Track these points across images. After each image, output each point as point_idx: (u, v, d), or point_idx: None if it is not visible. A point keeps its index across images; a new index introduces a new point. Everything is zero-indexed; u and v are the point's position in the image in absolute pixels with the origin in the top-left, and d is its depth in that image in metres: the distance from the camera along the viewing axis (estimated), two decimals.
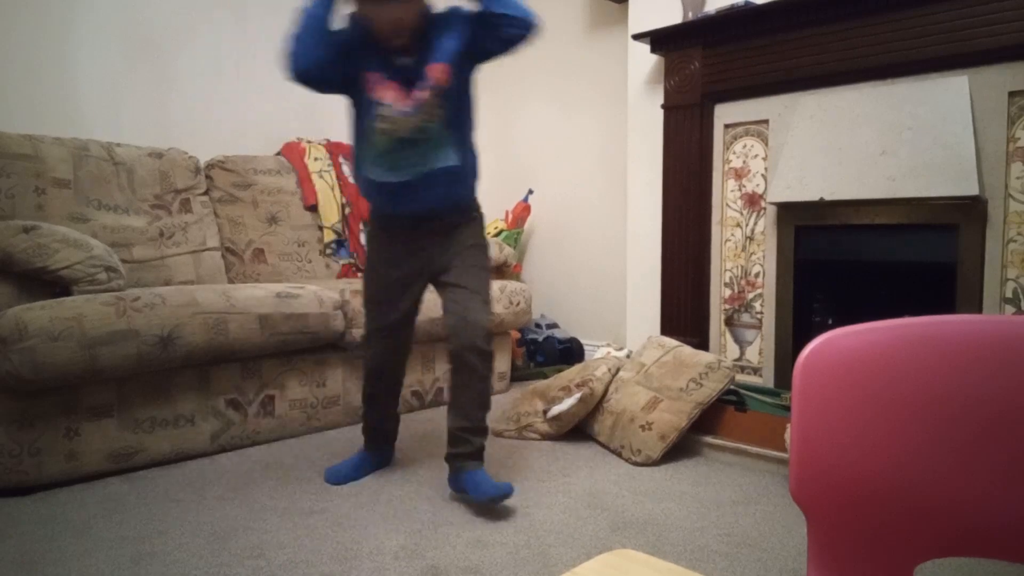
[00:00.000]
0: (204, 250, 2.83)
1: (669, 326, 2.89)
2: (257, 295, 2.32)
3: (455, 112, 1.83)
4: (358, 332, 2.54)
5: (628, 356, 2.71)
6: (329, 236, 3.26)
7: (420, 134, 1.80)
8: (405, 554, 1.57)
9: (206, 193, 2.94)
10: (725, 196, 2.76)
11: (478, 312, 1.85)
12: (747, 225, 2.71)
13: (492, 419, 2.69)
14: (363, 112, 1.84)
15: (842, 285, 2.62)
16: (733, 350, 2.77)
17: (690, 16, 2.74)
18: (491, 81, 4.12)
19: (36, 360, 1.85)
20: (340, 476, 2.04)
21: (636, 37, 2.83)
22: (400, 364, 2.10)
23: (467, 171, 1.91)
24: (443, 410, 2.85)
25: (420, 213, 1.90)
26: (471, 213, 1.97)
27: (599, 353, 2.83)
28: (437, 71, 1.78)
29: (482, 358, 1.84)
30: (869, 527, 0.62)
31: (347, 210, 3.33)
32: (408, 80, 1.79)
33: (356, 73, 1.81)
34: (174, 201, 2.82)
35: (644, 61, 3.00)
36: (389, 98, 1.79)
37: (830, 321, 2.63)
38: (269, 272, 3.02)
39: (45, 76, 2.77)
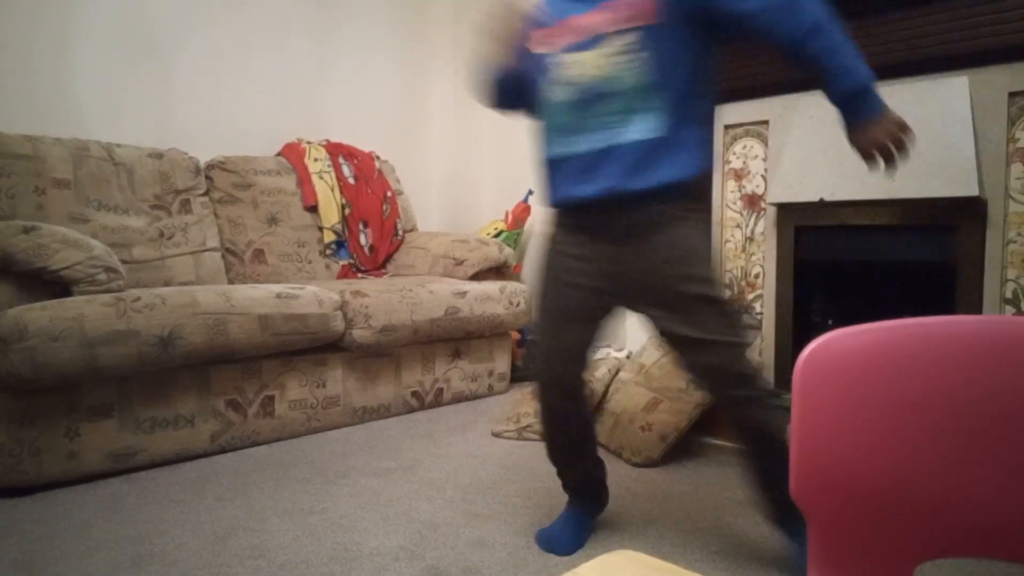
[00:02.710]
0: (204, 251, 2.83)
1: None
2: (257, 295, 2.32)
3: (666, 66, 1.35)
4: (358, 333, 2.54)
5: (628, 357, 2.71)
6: (329, 237, 3.26)
7: (606, 85, 1.36)
8: (405, 555, 1.57)
9: (206, 194, 2.94)
10: (725, 197, 2.76)
11: (721, 361, 1.40)
12: (747, 226, 2.71)
13: (492, 420, 2.70)
14: (541, 80, 1.48)
15: (842, 286, 2.62)
16: None
17: None
18: None
19: (36, 360, 1.85)
20: (553, 542, 1.60)
21: None
22: (576, 407, 1.62)
23: (679, 146, 1.38)
24: (444, 411, 2.85)
25: (599, 198, 1.41)
26: (682, 206, 1.41)
27: (599, 354, 2.83)
28: None
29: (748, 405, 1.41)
30: (869, 527, 0.62)
31: (347, 211, 3.33)
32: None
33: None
34: (174, 202, 2.81)
35: None
36: (560, 41, 1.43)
37: (830, 322, 2.63)
38: (269, 273, 3.02)
39: (45, 76, 2.77)
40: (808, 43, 1.28)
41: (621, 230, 1.43)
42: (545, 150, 1.49)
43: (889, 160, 1.29)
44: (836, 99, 1.30)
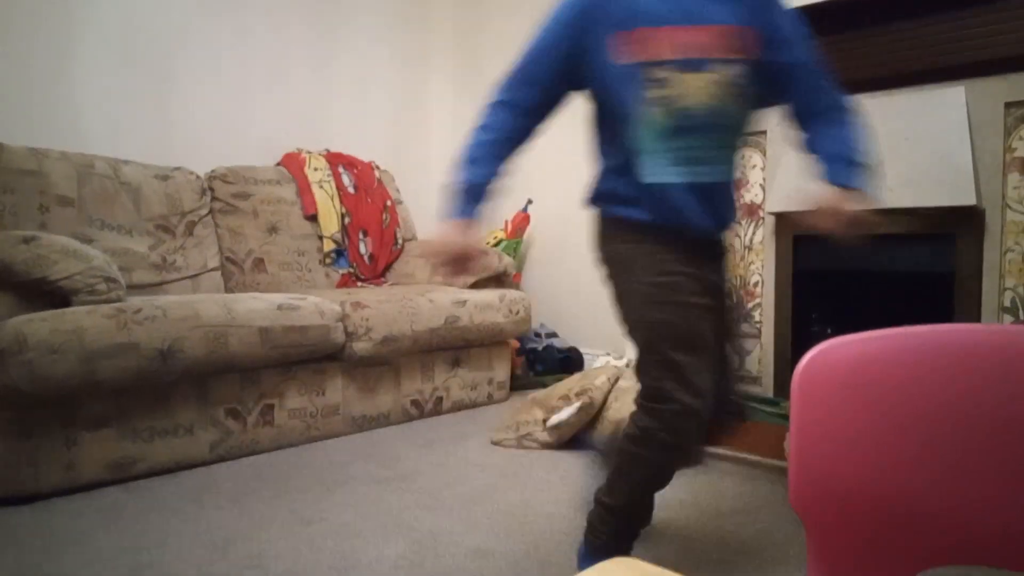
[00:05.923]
0: (204, 272, 2.81)
1: None
2: (258, 307, 2.32)
3: (750, 106, 1.36)
4: (359, 345, 2.53)
5: (627, 365, 2.71)
6: (329, 246, 3.26)
7: (714, 116, 1.29)
8: (405, 564, 1.56)
9: (210, 213, 2.94)
10: None
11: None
12: (746, 235, 2.72)
13: (491, 428, 2.69)
14: (625, 92, 1.31)
15: (840, 294, 2.62)
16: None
17: None
18: (490, 85, 4.12)
19: (34, 373, 1.85)
20: None
21: None
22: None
23: (734, 190, 1.44)
24: (443, 419, 2.85)
25: (716, 230, 1.41)
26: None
27: (599, 362, 2.83)
28: (743, 32, 1.29)
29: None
30: (868, 536, 0.62)
31: (346, 220, 3.34)
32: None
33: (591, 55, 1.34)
34: (179, 224, 2.80)
35: None
36: (659, 54, 1.26)
37: (829, 330, 2.63)
38: (269, 282, 3.02)
39: (46, 88, 2.77)
40: (835, 111, 1.41)
41: (713, 256, 1.46)
42: (644, 173, 1.33)
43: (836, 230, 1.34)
44: (833, 163, 1.36)
